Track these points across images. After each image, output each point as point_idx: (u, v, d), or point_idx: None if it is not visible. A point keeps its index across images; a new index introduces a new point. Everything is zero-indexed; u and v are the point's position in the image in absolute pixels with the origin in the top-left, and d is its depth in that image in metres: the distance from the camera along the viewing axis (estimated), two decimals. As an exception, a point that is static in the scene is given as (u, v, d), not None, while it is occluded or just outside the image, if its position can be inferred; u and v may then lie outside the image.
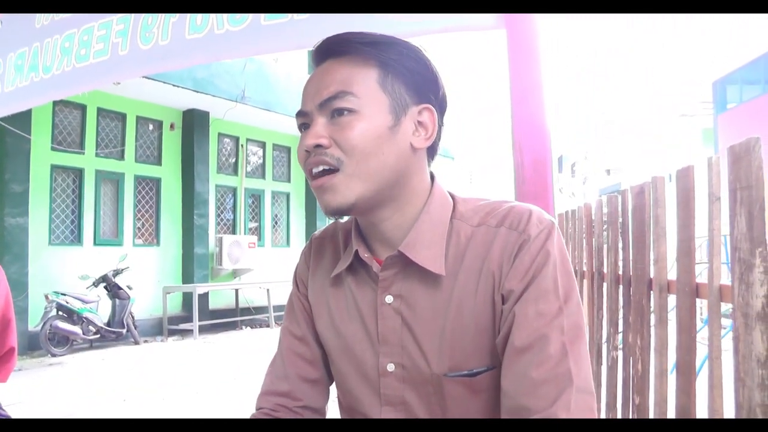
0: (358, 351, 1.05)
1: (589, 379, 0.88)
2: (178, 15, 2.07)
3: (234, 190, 11.71)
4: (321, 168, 0.95)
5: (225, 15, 1.93)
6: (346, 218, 1.10)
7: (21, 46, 2.64)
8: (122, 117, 9.90)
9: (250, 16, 1.88)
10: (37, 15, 2.57)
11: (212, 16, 1.96)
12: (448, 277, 0.98)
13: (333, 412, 1.12)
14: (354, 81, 0.95)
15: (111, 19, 2.33)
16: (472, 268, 0.97)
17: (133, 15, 2.23)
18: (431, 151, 1.04)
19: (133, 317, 8.95)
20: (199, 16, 2.00)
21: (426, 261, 0.97)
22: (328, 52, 0.99)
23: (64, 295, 8.05)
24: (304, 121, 0.98)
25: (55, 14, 2.51)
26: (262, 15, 1.86)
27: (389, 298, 1.01)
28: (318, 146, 0.95)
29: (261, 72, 10.49)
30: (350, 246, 1.06)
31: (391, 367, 1.01)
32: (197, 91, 9.57)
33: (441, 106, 1.03)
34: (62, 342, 7.98)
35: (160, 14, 2.13)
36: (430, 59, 1.01)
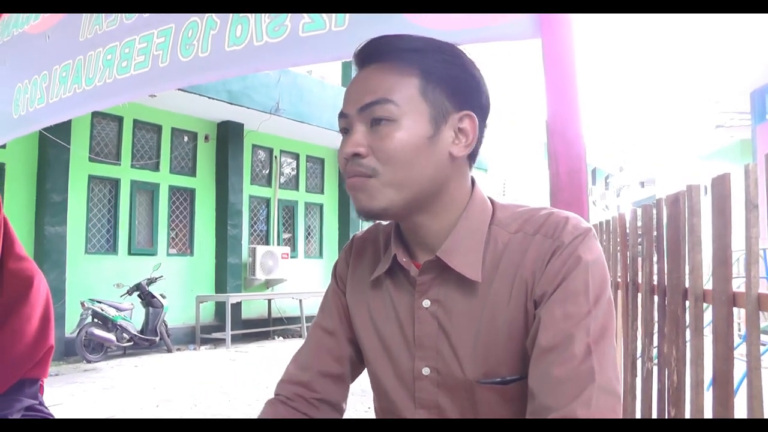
0: (395, 354, 1.06)
1: (612, 380, 0.88)
2: (218, 27, 2.11)
3: (267, 201, 11.83)
4: (357, 177, 0.97)
5: (264, 27, 1.97)
6: (386, 222, 1.12)
7: (66, 58, 2.71)
8: (158, 129, 10.08)
9: (288, 28, 1.92)
10: (82, 29, 2.64)
11: (252, 28, 2.00)
12: (484, 283, 0.98)
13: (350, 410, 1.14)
14: (395, 89, 0.95)
15: (152, 32, 2.39)
16: (507, 274, 0.97)
17: (173, 28, 2.28)
18: (472, 157, 1.03)
19: (166, 325, 9.08)
20: (239, 28, 2.04)
21: (463, 267, 0.98)
22: (371, 56, 1.00)
23: (100, 302, 8.20)
24: (345, 125, 1.00)
25: (98, 28, 2.57)
26: (300, 26, 1.89)
27: (426, 303, 1.02)
28: (356, 155, 0.96)
29: (295, 84, 10.60)
30: (390, 249, 1.07)
31: (426, 371, 1.02)
32: (232, 104, 9.69)
33: (483, 112, 1.02)
34: (97, 348, 8.11)
35: (200, 27, 2.18)
36: (473, 63, 1.01)
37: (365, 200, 0.97)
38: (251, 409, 5.26)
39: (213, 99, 9.39)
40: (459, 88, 0.98)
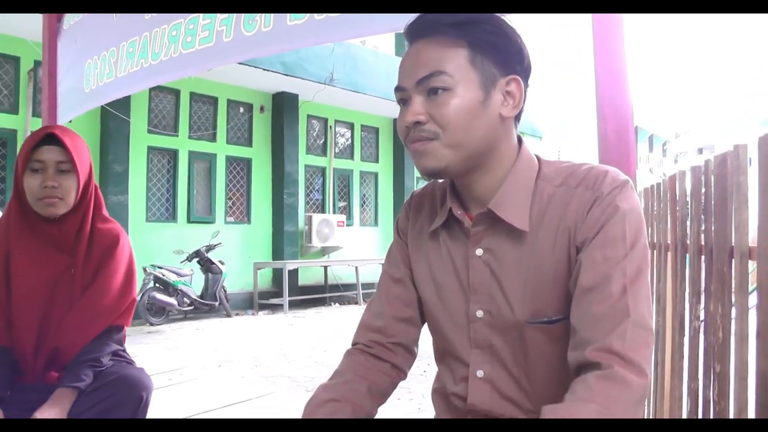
0: (451, 299, 1.17)
1: (646, 316, 0.98)
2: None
3: (323, 170, 12.04)
4: (419, 142, 1.08)
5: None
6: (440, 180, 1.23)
7: (132, 35, 2.83)
8: (214, 101, 10.34)
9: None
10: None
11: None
12: (531, 232, 1.09)
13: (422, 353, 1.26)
14: (446, 60, 1.05)
15: (216, 9, 2.49)
16: (552, 224, 1.08)
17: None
18: (518, 117, 1.13)
19: (225, 291, 9.39)
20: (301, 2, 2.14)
21: (512, 218, 1.09)
22: (420, 31, 1.10)
23: (161, 268, 8.54)
24: (403, 96, 1.11)
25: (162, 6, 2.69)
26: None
27: (479, 251, 1.13)
28: (417, 123, 1.07)
29: (349, 54, 10.69)
30: (446, 204, 1.18)
31: (479, 314, 1.14)
32: (287, 75, 9.86)
33: (526, 74, 1.12)
34: (159, 312, 8.46)
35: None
36: (514, 30, 1.11)
37: (428, 162, 1.08)
38: (310, 370, 5.46)
39: (268, 71, 9.55)
40: (504, 55, 1.09)
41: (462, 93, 1.05)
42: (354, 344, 1.28)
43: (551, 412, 0.93)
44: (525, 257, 1.09)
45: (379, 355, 1.24)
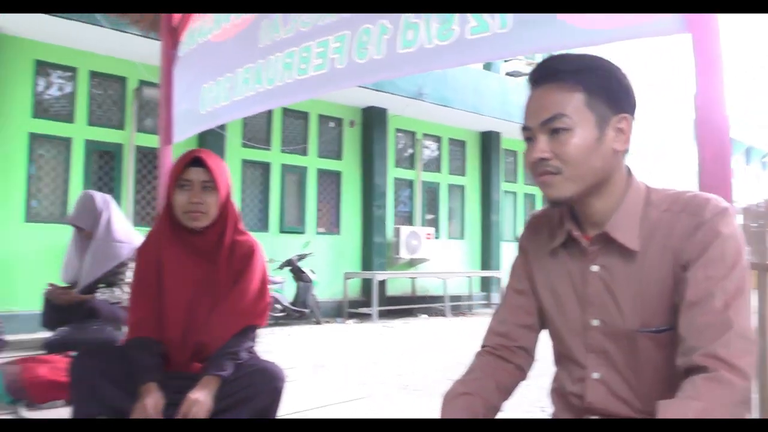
0: (569, 309, 1.35)
1: (748, 328, 1.11)
2: (390, 33, 2.38)
3: (411, 183, 12.29)
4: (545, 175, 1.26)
5: (434, 32, 2.22)
6: None
7: (247, 62, 3.07)
8: (305, 116, 10.76)
9: (456, 32, 2.15)
10: (261, 37, 2.99)
11: (422, 33, 2.26)
12: (640, 252, 1.25)
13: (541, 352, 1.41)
14: (566, 104, 1.23)
15: (327, 38, 2.67)
16: (658, 245, 1.23)
17: (348, 35, 2.56)
18: (626, 148, 1.29)
19: (315, 299, 9.70)
20: (410, 33, 2.30)
21: (625, 239, 1.26)
22: (542, 77, 1.28)
23: (255, 275, 8.87)
24: (529, 135, 1.29)
25: (276, 36, 2.91)
26: (467, 30, 2.13)
27: (595, 268, 1.30)
28: (542, 159, 1.25)
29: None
30: (564, 226, 1.36)
31: (595, 323, 1.30)
32: (377, 90, 10.18)
33: (633, 110, 1.29)
34: (253, 318, 8.79)
35: (373, 33, 2.45)
36: (624, 73, 1.28)
37: (553, 192, 1.27)
38: (402, 378, 5.61)
39: (359, 87, 9.82)
40: (615, 96, 1.26)
41: (580, 132, 1.22)
42: (483, 346, 1.47)
43: (665, 406, 1.08)
44: (635, 274, 1.25)
45: (504, 357, 1.42)
